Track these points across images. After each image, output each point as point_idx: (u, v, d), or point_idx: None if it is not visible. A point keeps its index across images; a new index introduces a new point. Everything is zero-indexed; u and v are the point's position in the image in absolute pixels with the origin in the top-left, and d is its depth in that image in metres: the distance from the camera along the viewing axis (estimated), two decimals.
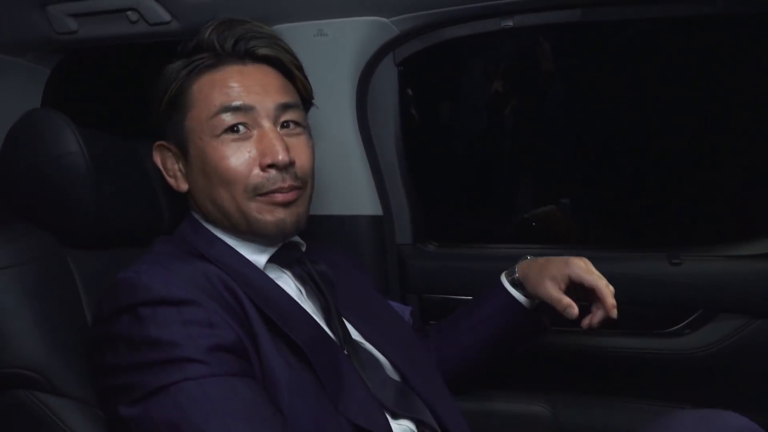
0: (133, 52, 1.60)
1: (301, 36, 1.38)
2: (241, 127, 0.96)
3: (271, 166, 0.95)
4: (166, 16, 1.37)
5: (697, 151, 1.81)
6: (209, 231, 1.02)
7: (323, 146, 1.42)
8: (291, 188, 0.97)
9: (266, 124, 0.97)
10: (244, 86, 0.97)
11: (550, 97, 2.00)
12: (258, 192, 0.95)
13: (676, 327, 1.42)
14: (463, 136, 2.11)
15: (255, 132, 0.97)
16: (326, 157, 1.43)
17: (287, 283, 1.02)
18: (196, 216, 1.04)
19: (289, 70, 1.05)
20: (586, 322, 1.11)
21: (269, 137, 0.95)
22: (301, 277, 1.03)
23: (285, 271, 1.04)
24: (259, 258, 1.01)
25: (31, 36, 1.51)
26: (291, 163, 0.96)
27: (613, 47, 1.83)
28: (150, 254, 0.96)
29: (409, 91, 1.66)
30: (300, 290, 1.03)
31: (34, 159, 0.96)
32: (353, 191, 1.47)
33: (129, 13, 1.38)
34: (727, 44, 1.67)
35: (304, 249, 1.08)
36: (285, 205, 0.97)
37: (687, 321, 1.41)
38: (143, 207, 1.09)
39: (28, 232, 0.96)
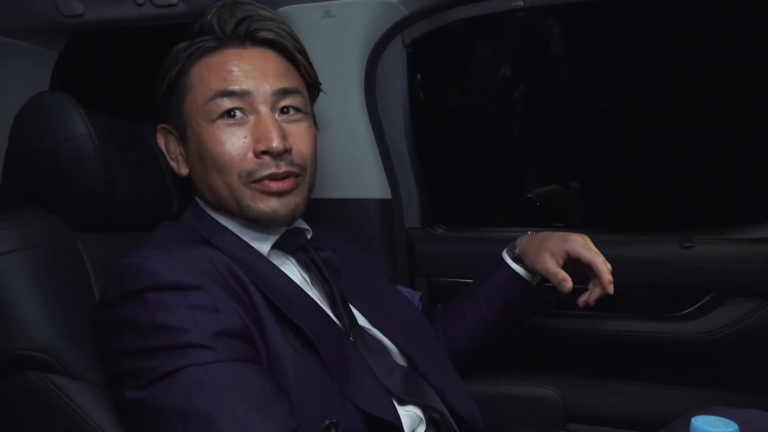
0: (141, 36, 1.59)
1: (308, 18, 1.37)
2: (237, 112, 0.95)
3: (265, 152, 0.93)
4: None
5: (709, 134, 1.79)
6: (213, 218, 1.01)
7: (331, 129, 1.42)
8: (287, 174, 0.95)
9: (263, 109, 0.95)
10: (242, 70, 0.96)
11: (559, 81, 1.98)
12: (251, 178, 0.94)
13: (687, 311, 1.41)
14: (473, 120, 2.10)
15: (252, 117, 0.95)
16: (334, 140, 1.42)
17: (291, 270, 1.01)
18: (200, 202, 1.04)
19: (292, 54, 1.03)
20: (582, 299, 1.12)
21: (265, 123, 0.94)
22: (305, 264, 1.03)
23: (289, 257, 1.03)
24: (262, 245, 1.00)
25: (38, 19, 1.51)
26: (286, 150, 0.95)
27: (623, 30, 1.81)
28: (155, 239, 0.96)
29: (418, 74, 1.65)
30: (304, 278, 1.02)
31: (43, 142, 0.96)
32: (362, 174, 1.46)
33: None
34: (745, 28, 1.65)
35: (309, 236, 1.07)
36: (279, 194, 0.96)
37: (698, 305, 1.41)
38: (152, 191, 1.09)
39: (37, 216, 0.96)
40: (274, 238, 1.01)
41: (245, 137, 0.94)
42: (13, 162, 1.02)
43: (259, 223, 0.98)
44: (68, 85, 1.76)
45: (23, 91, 1.64)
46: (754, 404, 1.03)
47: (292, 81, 1.01)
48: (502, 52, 1.98)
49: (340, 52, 1.39)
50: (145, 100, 1.11)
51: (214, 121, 0.94)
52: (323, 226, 1.19)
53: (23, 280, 0.88)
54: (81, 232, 0.99)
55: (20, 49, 1.63)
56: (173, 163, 1.04)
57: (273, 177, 0.94)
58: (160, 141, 1.04)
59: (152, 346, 0.78)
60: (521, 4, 1.37)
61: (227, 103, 0.94)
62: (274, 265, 0.98)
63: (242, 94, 0.95)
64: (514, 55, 1.99)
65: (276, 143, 0.92)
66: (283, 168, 0.94)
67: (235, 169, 0.94)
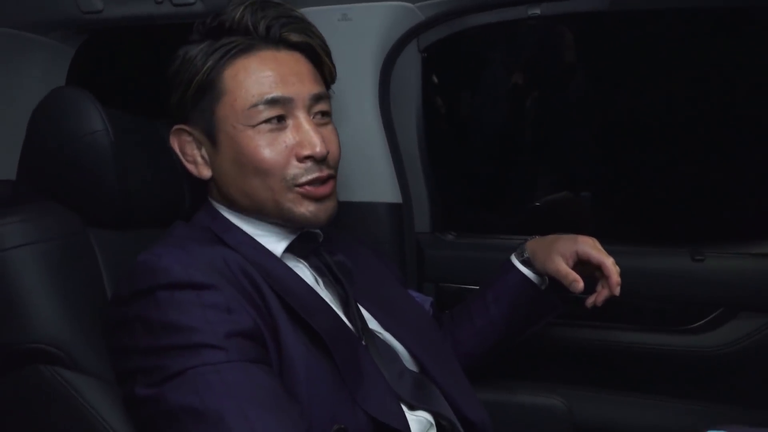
0: (157, 33, 1.60)
1: (324, 20, 1.37)
2: (278, 118, 0.94)
3: (308, 157, 0.94)
4: None
5: (723, 146, 1.78)
6: (227, 219, 1.00)
7: (344, 132, 1.41)
8: (329, 177, 0.97)
9: (301, 114, 0.95)
10: (280, 75, 0.95)
11: (573, 89, 1.97)
12: (295, 182, 0.94)
13: (697, 324, 1.41)
14: (485, 126, 2.10)
15: (290, 122, 0.95)
16: (347, 143, 1.41)
17: (303, 273, 1.01)
18: (214, 203, 1.03)
19: (319, 56, 1.03)
20: (590, 300, 1.12)
21: (305, 128, 0.94)
22: (317, 268, 1.02)
23: (301, 261, 1.03)
24: (276, 247, 0.99)
25: (57, 15, 1.52)
26: (326, 154, 0.95)
27: (640, 40, 1.80)
28: (170, 237, 0.95)
29: (433, 79, 1.65)
30: (316, 280, 1.02)
31: (60, 137, 0.97)
32: (373, 178, 1.46)
33: None
34: (758, 38, 1.64)
35: (321, 239, 1.07)
36: (320, 199, 0.96)
37: (708, 318, 1.40)
38: (166, 188, 1.09)
39: (51, 210, 0.96)
40: (287, 241, 1.01)
41: (286, 142, 0.94)
42: (29, 155, 1.03)
43: (297, 227, 0.99)
44: (84, 80, 1.78)
45: (39, 86, 1.65)
46: (764, 421, 1.03)
47: (321, 85, 1.01)
48: (516, 58, 1.99)
49: (356, 55, 1.40)
50: (160, 97, 1.11)
51: (254, 126, 0.93)
52: (335, 229, 1.19)
53: (36, 273, 0.88)
54: (94, 227, 1.00)
55: (38, 44, 1.65)
56: (190, 166, 1.01)
57: (317, 181, 0.95)
58: (174, 143, 1.02)
59: (164, 345, 0.78)
60: (538, 12, 1.37)
61: (269, 110, 0.93)
62: (288, 266, 0.97)
63: (284, 101, 0.94)
64: (528, 63, 1.99)
65: (320, 148, 0.93)
66: (325, 171, 0.96)
67: (279, 174, 0.93)
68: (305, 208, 0.95)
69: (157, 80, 1.07)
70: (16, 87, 1.64)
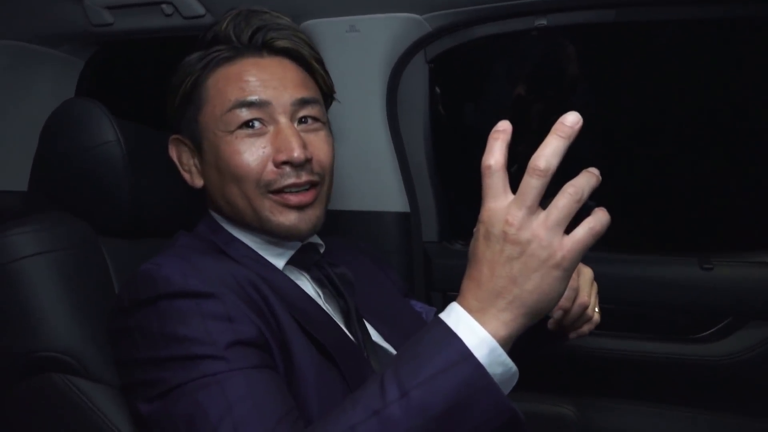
0: (166, 45, 1.61)
1: (332, 32, 1.39)
2: (256, 123, 0.93)
3: (285, 162, 0.92)
4: (201, 10, 1.39)
5: (731, 155, 1.78)
6: (228, 231, 1.00)
7: (352, 142, 1.43)
8: (308, 184, 0.94)
9: (282, 119, 0.94)
10: (261, 80, 0.94)
11: (579, 99, 1.98)
12: (270, 188, 0.92)
13: (706, 333, 1.40)
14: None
15: (271, 128, 0.94)
16: (355, 152, 1.43)
17: (305, 285, 1.00)
18: (214, 215, 1.03)
19: (309, 63, 1.03)
20: (572, 335, 1.11)
21: (285, 133, 0.92)
22: (319, 281, 1.01)
23: (303, 273, 1.02)
24: (277, 260, 0.98)
25: (67, 28, 1.54)
26: (307, 160, 0.93)
27: (645, 51, 1.81)
28: (173, 248, 0.95)
29: (439, 90, 1.66)
30: (318, 293, 1.01)
31: (72, 147, 0.98)
32: (381, 187, 1.47)
33: (164, 6, 1.40)
34: (763, 47, 1.65)
35: (322, 251, 1.06)
36: (300, 208, 0.94)
37: (717, 327, 1.39)
38: (176, 197, 1.10)
39: (64, 220, 0.97)
40: (289, 254, 1.00)
41: (264, 147, 0.92)
42: (41, 166, 1.04)
43: (278, 237, 0.97)
44: (93, 92, 1.79)
45: (49, 97, 1.67)
46: None
47: (310, 90, 1.00)
48: (523, 69, 1.99)
49: (364, 66, 1.41)
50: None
51: (232, 132, 0.93)
52: (336, 237, 1.19)
53: (49, 282, 0.89)
54: (105, 236, 1.00)
55: (48, 57, 1.67)
56: (186, 175, 1.01)
57: (294, 187, 0.93)
58: (172, 152, 1.02)
59: (163, 356, 0.77)
60: (544, 23, 1.37)
61: (246, 114, 0.93)
62: (290, 279, 0.97)
63: (261, 105, 0.93)
64: (534, 73, 1.99)
65: (297, 153, 0.91)
66: (304, 178, 0.93)
67: (253, 180, 0.92)
68: (284, 218, 0.93)
69: (165, 91, 1.07)
70: (26, 99, 1.66)
